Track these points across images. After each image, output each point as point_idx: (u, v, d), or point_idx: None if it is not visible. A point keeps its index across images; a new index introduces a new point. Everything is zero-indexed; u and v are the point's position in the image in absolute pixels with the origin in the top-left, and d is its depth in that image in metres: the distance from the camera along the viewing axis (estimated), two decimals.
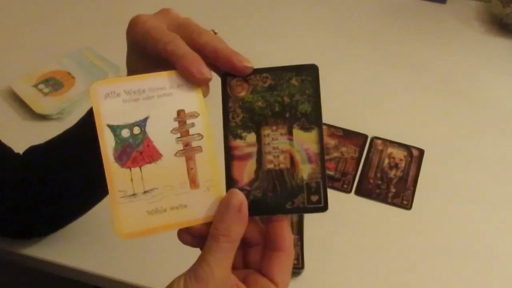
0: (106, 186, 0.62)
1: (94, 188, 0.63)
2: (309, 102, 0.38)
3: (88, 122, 0.56)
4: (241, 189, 0.37)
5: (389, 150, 0.87)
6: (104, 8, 1.12)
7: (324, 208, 0.37)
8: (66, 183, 0.62)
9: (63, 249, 0.72)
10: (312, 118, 0.37)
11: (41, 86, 0.92)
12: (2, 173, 0.62)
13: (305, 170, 0.37)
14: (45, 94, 0.91)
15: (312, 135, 0.37)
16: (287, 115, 0.38)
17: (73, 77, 0.94)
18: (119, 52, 0.95)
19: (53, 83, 0.93)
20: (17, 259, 0.73)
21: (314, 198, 0.37)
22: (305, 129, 0.38)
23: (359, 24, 1.13)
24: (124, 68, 1.04)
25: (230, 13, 1.13)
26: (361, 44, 1.08)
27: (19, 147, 0.65)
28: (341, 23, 1.13)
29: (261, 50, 1.01)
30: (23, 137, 0.66)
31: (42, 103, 0.89)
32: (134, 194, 0.36)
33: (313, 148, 0.37)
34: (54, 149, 0.62)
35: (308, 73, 0.38)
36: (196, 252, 0.38)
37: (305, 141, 0.37)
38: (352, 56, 1.05)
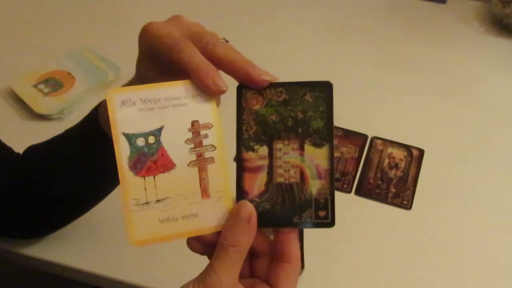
0: (106, 186, 0.62)
1: (94, 188, 0.63)
2: (321, 119, 0.38)
3: (89, 122, 0.56)
4: (251, 201, 0.38)
5: (389, 150, 0.87)
6: (104, 8, 1.12)
7: (331, 223, 0.38)
8: (66, 182, 0.62)
9: (63, 249, 0.72)
10: (323, 135, 0.38)
11: (41, 86, 0.92)
12: (2, 173, 0.62)
13: (314, 186, 0.38)
14: (45, 94, 0.91)
15: (323, 151, 0.38)
16: (300, 130, 0.38)
17: (73, 77, 0.94)
18: (119, 52, 0.96)
19: (53, 83, 0.93)
20: (17, 259, 0.73)
21: (322, 213, 0.38)
22: (317, 145, 0.38)
23: (359, 24, 1.13)
24: (124, 69, 1.04)
25: (230, 14, 1.13)
26: (361, 44, 1.08)
27: (19, 147, 0.65)
28: (341, 23, 1.13)
29: (260, 51, 1.02)
30: (23, 137, 0.66)
31: (42, 103, 0.89)
32: (147, 203, 0.37)
33: (323, 164, 0.38)
34: (54, 148, 0.62)
35: (322, 90, 0.38)
36: (197, 255, 0.39)
37: (315, 157, 0.38)
38: (352, 56, 1.05)
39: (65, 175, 0.61)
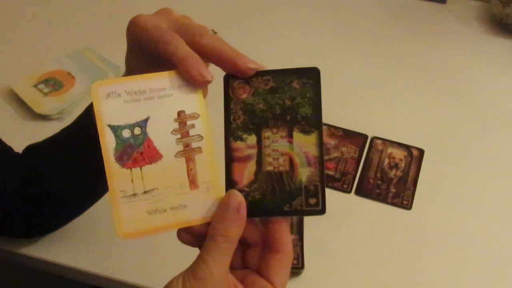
0: (105, 184, 0.62)
1: (93, 186, 0.63)
2: (309, 105, 0.38)
3: (86, 120, 0.56)
4: (240, 190, 0.38)
5: (389, 150, 0.87)
6: (104, 8, 1.12)
7: (321, 211, 0.38)
8: (65, 181, 0.62)
9: (63, 249, 0.72)
10: (312, 122, 0.38)
11: (41, 86, 0.92)
12: (2, 172, 0.62)
13: (304, 173, 0.38)
14: (45, 94, 0.91)
15: (312, 138, 0.38)
16: (288, 118, 0.38)
17: (73, 77, 0.94)
18: (119, 52, 0.95)
19: (53, 83, 0.93)
20: (17, 259, 0.73)
21: (312, 201, 0.38)
22: (305, 132, 0.38)
23: (359, 24, 1.13)
24: (124, 68, 1.04)
25: (230, 14, 1.13)
26: (361, 44, 1.08)
27: (19, 147, 0.65)
28: (341, 23, 1.13)
29: (261, 51, 1.01)
30: (23, 137, 0.66)
31: (42, 103, 0.89)
32: (134, 194, 0.37)
33: (313, 151, 0.38)
34: (52, 147, 0.62)
35: (310, 76, 0.38)
36: (195, 251, 0.39)
37: (304, 144, 0.38)
38: (352, 56, 1.05)
39: (63, 174, 0.61)
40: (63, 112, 0.89)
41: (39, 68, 0.95)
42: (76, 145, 0.58)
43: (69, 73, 0.95)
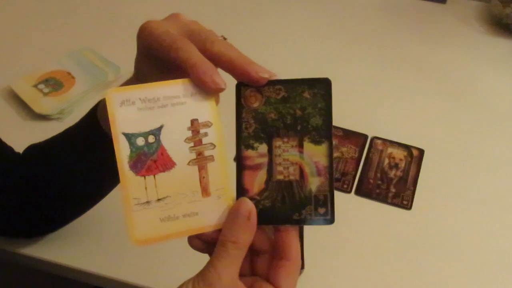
0: (106, 185, 0.62)
1: (94, 188, 0.63)
2: (320, 116, 0.38)
3: (88, 121, 0.56)
4: (251, 198, 0.38)
5: (389, 150, 0.87)
6: (104, 8, 1.12)
7: (330, 220, 0.38)
8: (66, 182, 0.62)
9: (63, 249, 0.72)
10: (322, 132, 0.38)
11: (41, 86, 0.92)
12: (2, 172, 0.62)
13: (314, 183, 0.38)
14: (45, 94, 0.91)
15: (322, 148, 0.38)
16: (299, 127, 0.38)
17: (73, 77, 0.94)
18: (119, 52, 0.96)
19: (53, 83, 0.93)
20: (17, 259, 0.73)
21: (322, 210, 0.38)
22: (316, 142, 0.38)
23: (358, 24, 1.13)
24: (124, 69, 1.04)
25: (232, 16, 1.13)
26: (361, 44, 1.08)
27: (19, 147, 0.65)
28: (341, 24, 1.13)
29: (260, 51, 1.01)
30: (23, 137, 0.66)
31: (42, 103, 0.89)
32: (148, 202, 0.37)
33: (323, 161, 0.38)
34: (53, 148, 0.62)
35: (321, 87, 0.38)
36: (199, 254, 0.39)
37: (315, 154, 0.38)
38: (352, 56, 1.05)
39: (64, 174, 0.61)
40: (63, 112, 0.89)
41: (39, 68, 0.95)
42: (78, 147, 0.58)
43: (69, 73, 0.95)
